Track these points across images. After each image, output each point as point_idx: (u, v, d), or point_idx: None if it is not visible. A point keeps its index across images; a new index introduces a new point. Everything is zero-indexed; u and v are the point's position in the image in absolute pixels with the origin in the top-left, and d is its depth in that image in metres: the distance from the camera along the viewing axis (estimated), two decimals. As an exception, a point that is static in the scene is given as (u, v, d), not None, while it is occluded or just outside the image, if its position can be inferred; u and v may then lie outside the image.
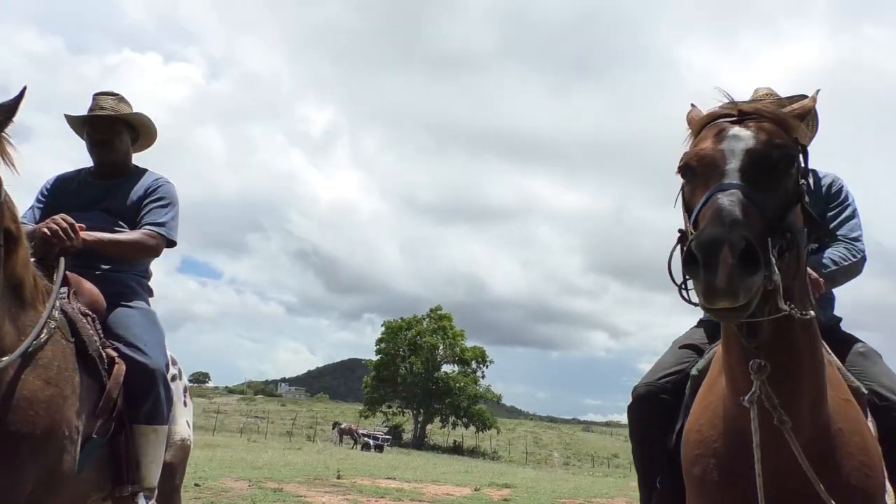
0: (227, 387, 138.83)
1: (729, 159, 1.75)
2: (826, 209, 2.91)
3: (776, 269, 1.57)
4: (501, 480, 19.55)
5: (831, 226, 2.87)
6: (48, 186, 3.32)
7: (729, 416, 2.10)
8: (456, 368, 59.50)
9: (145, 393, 2.79)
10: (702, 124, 1.95)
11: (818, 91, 2.07)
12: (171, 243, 3.26)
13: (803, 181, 1.84)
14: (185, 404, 3.59)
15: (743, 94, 2.70)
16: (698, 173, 1.82)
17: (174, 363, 3.56)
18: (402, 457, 34.01)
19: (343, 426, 48.45)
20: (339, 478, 16.01)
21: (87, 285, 2.87)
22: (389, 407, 59.62)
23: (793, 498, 1.97)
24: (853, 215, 2.89)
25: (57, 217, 2.76)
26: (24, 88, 2.20)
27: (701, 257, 1.51)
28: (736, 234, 1.50)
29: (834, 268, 2.67)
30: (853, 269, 2.76)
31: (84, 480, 2.61)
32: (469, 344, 60.54)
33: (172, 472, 3.42)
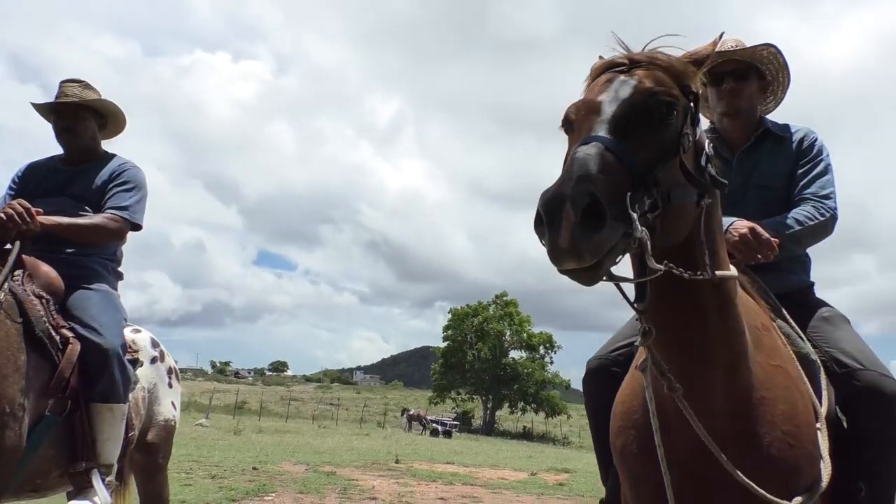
0: (304, 375, 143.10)
1: (603, 110, 1.62)
2: (796, 166, 2.72)
3: (639, 225, 1.42)
4: (562, 465, 19.41)
5: (801, 183, 2.68)
6: (20, 173, 3.43)
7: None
8: (523, 354, 59.37)
9: (100, 372, 2.85)
10: (594, 75, 1.81)
11: (721, 34, 1.88)
12: (136, 227, 3.30)
13: (688, 132, 1.67)
14: (169, 386, 3.66)
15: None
16: (575, 127, 1.69)
17: (156, 345, 3.64)
18: (468, 442, 34.21)
19: (412, 413, 49.10)
20: (396, 462, 16.24)
21: (45, 268, 2.94)
22: (458, 393, 60.03)
23: (706, 470, 1.84)
24: (825, 172, 2.69)
25: (13, 202, 2.84)
26: None
27: (544, 216, 1.39)
28: (579, 189, 1.37)
29: (797, 228, 2.50)
30: (820, 228, 2.57)
31: (41, 457, 2.70)
32: (540, 329, 60.30)
33: (155, 451, 3.52)
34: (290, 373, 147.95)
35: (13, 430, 2.48)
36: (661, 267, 1.56)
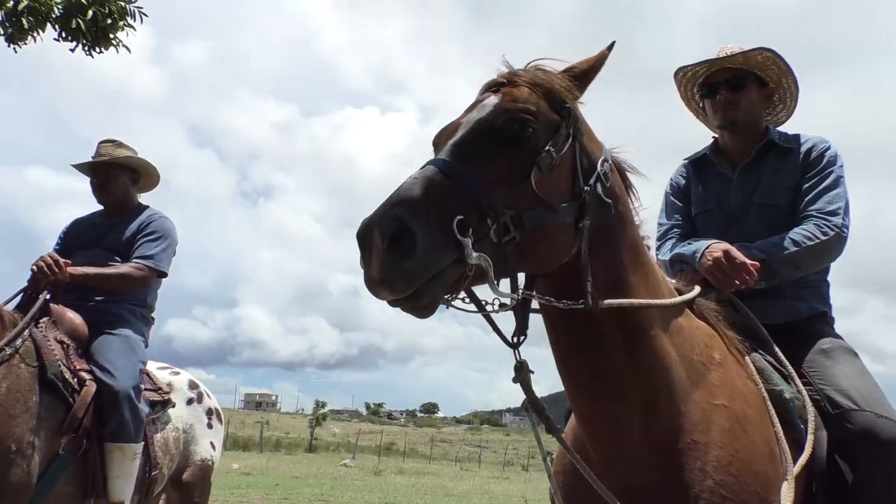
0: (454, 417, 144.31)
1: (457, 132, 1.52)
2: (803, 180, 2.40)
3: (472, 251, 1.30)
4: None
5: (806, 199, 2.35)
6: (66, 229, 3.76)
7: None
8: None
9: (110, 412, 3.01)
10: (477, 96, 1.70)
11: (612, 43, 1.67)
12: (161, 274, 3.52)
13: (550, 149, 1.50)
14: (209, 426, 3.81)
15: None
16: (438, 150, 1.58)
17: (194, 387, 3.81)
18: (614, 489, 32.55)
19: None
20: (524, 505, 15.82)
21: (69, 315, 3.19)
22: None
23: None
24: (835, 185, 2.33)
25: (44, 255, 3.13)
26: None
27: (358, 245, 1.31)
28: (388, 215, 1.28)
29: (793, 250, 2.19)
30: (821, 249, 2.23)
31: (58, 494, 2.88)
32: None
33: (190, 490, 3.65)
34: (440, 414, 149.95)
35: (20, 468, 2.68)
36: (514, 296, 1.45)
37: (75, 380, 2.98)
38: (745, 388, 1.85)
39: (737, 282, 2.06)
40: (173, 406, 3.58)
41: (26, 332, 2.89)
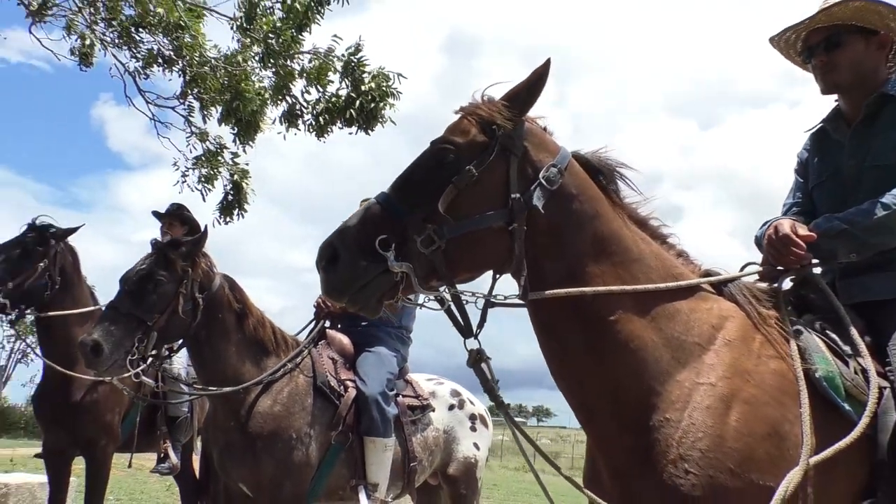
0: None
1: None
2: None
3: (394, 262, 1.60)
4: None
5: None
6: None
7: None
8: None
9: (363, 412, 3.75)
10: None
11: (547, 62, 1.73)
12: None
13: (471, 167, 1.68)
14: (472, 429, 4.37)
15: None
16: None
17: (456, 395, 4.43)
18: None
19: None
20: None
21: (339, 338, 4.07)
22: None
23: (621, 491, 1.73)
24: None
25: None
26: (206, 228, 3.65)
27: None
28: (325, 244, 1.66)
29: (881, 214, 1.90)
30: (886, 222, 1.88)
31: (337, 475, 3.73)
32: None
33: (455, 482, 4.26)
34: None
35: (300, 451, 3.57)
36: (437, 291, 1.72)
37: (341, 387, 3.84)
38: (759, 367, 1.70)
39: (791, 258, 1.86)
40: (433, 410, 4.23)
41: (305, 351, 3.87)
